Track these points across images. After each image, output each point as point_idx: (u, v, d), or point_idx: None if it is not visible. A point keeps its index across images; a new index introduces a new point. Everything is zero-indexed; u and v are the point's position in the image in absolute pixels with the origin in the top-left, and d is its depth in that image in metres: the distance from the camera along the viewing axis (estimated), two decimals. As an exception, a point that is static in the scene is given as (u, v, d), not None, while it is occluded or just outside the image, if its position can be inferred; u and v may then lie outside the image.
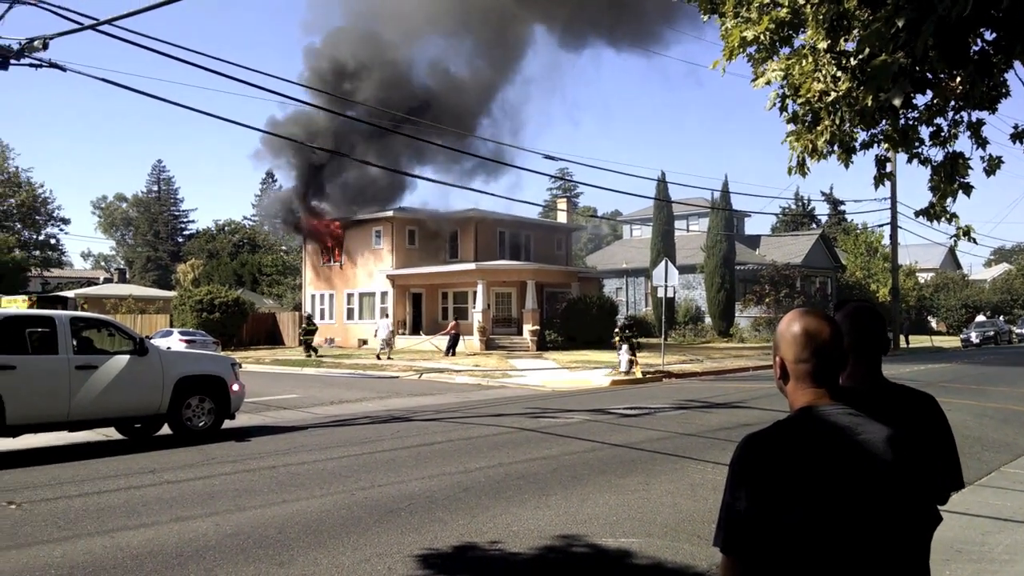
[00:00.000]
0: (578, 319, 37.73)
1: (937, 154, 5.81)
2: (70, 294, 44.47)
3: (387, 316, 36.76)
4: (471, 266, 38.02)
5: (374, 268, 41.98)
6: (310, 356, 33.28)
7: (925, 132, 5.88)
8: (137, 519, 7.19)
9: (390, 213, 41.43)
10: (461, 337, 34.70)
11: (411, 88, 39.71)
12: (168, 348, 15.87)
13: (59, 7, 11.36)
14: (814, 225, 65.81)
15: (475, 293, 37.69)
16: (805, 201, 74.36)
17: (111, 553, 6.14)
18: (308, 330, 34.83)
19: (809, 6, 6.33)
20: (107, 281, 73.88)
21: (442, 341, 34.85)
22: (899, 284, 43.72)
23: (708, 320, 47.81)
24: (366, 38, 39.95)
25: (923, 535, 1.92)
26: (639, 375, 22.82)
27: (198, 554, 6.09)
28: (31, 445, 11.40)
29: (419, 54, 42.86)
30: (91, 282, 72.46)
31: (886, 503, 1.84)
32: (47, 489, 8.54)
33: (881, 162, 7.28)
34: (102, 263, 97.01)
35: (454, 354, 33.01)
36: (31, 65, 12.23)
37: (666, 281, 24.53)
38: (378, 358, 31.49)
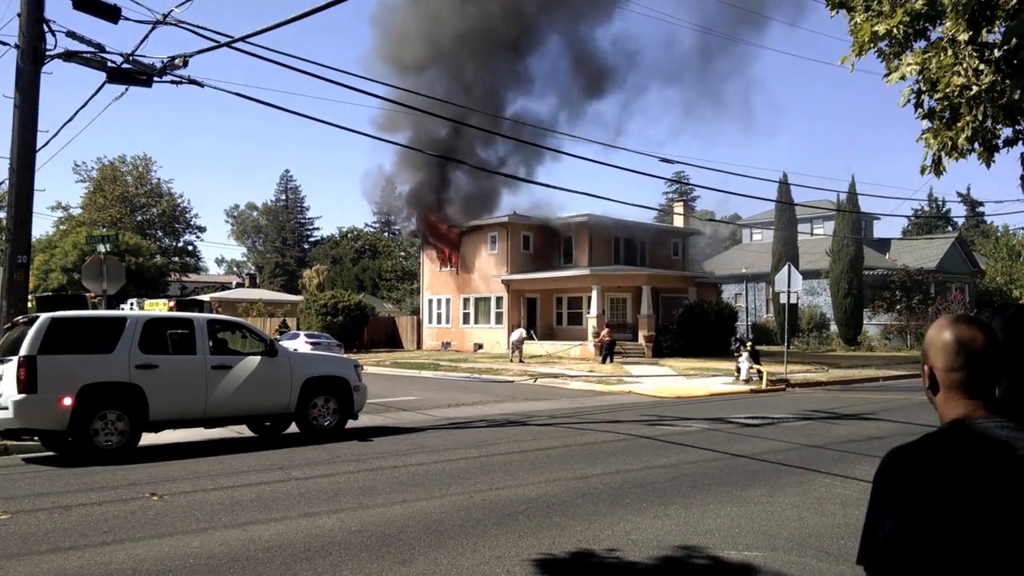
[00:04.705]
0: (695, 325, 36.93)
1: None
2: (205, 298, 47.02)
3: (521, 329, 37.61)
4: (585, 271, 37.92)
5: (489, 273, 42.47)
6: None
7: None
8: (268, 513, 7.51)
9: (505, 219, 41.77)
10: (575, 342, 34.65)
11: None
12: (295, 350, 16.53)
13: (198, 27, 12.06)
14: (949, 228, 62.25)
15: (590, 298, 37.55)
16: (939, 202, 70.51)
17: (244, 545, 6.44)
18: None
19: (948, -4, 5.98)
20: (239, 286, 77.93)
21: (568, 346, 35.15)
22: (1046, 290, 40.79)
23: (833, 327, 45.90)
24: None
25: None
26: (764, 385, 22.16)
27: (324, 549, 6.30)
28: (171, 440, 12.12)
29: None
30: (224, 287, 76.51)
31: None
32: (185, 482, 9.04)
33: (1029, 160, 6.79)
34: (234, 268, 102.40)
35: (611, 361, 31.71)
36: (172, 82, 13.02)
37: (788, 287, 23.72)
38: (520, 361, 32.95)
